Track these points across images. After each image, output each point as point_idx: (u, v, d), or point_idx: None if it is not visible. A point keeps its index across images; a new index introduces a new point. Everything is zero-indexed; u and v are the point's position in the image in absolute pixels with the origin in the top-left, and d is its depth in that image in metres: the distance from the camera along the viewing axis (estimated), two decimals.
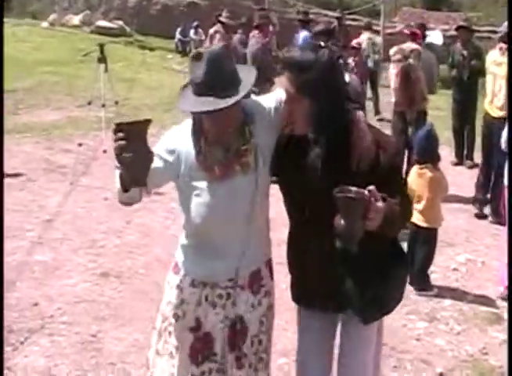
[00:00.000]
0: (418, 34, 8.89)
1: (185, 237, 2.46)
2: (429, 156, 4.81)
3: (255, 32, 8.51)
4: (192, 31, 19.40)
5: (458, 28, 8.94)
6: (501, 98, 6.53)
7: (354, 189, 1.97)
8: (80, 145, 7.54)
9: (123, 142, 1.90)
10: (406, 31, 9.51)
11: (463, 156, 8.81)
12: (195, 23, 19.15)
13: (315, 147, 2.24)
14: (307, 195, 2.26)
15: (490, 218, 6.59)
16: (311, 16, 13.17)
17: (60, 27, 21.36)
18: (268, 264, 2.53)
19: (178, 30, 19.86)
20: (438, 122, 11.88)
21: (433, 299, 4.81)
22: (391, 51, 8.02)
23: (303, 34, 10.80)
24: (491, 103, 6.74)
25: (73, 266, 5.23)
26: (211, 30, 9.83)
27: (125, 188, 2.11)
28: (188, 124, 2.32)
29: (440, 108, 13.25)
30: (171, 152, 2.28)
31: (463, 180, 7.84)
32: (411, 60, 7.25)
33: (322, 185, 2.16)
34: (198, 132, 2.27)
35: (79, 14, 22.53)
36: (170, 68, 17.02)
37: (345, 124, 2.21)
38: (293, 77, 2.11)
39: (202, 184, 2.26)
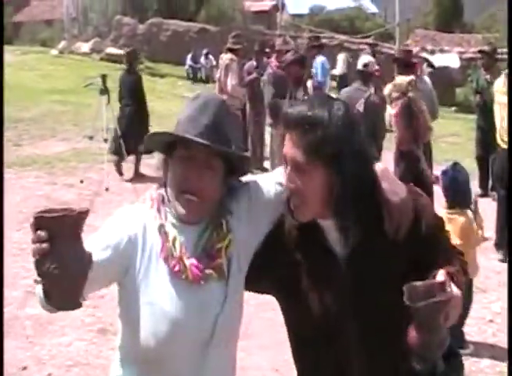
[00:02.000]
0: (418, 64, 8.22)
1: (124, 365, 1.83)
2: (461, 198, 4.29)
3: (272, 59, 8.14)
4: (202, 58, 19.11)
5: (480, 52, 8.48)
6: (505, 128, 6.09)
7: (421, 283, 1.50)
8: (81, 182, 7.13)
9: (44, 246, 1.34)
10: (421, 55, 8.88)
11: (488, 187, 8.28)
12: (205, 51, 18.87)
13: (327, 235, 1.75)
14: (326, 306, 1.75)
15: None
16: (323, 41, 12.85)
17: (70, 54, 21.14)
18: None
19: (189, 56, 19.60)
20: (456, 150, 11.47)
21: (469, 359, 4.26)
22: (386, 90, 7.22)
23: (320, 60, 10.53)
24: (502, 136, 6.26)
25: (68, 321, 4.73)
26: (224, 59, 9.37)
27: (50, 305, 1.50)
28: (146, 205, 1.82)
29: (457, 134, 12.81)
30: (125, 239, 1.74)
31: (489, 214, 7.28)
32: (410, 94, 6.64)
33: (353, 287, 1.71)
34: (164, 212, 1.80)
35: (89, 41, 22.34)
36: (180, 95, 16.64)
37: (371, 190, 1.72)
38: (303, 139, 1.63)
39: (162, 288, 1.74)
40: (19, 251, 6.06)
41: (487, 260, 5.96)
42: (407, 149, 5.89)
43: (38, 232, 1.34)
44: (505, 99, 6.14)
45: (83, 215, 1.38)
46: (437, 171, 4.96)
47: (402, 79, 6.82)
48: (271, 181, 1.89)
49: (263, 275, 1.82)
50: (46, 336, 4.50)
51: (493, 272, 5.84)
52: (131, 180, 7.08)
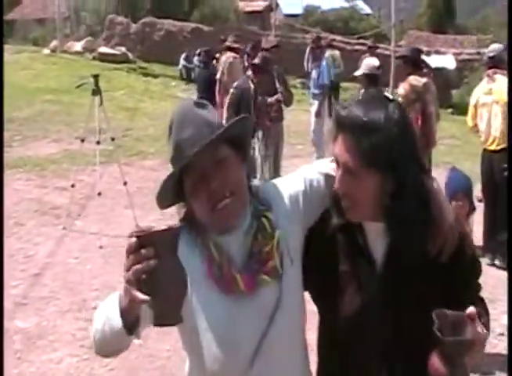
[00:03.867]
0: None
1: None
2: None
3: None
4: (195, 58, 18.80)
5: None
6: (498, 124, 5.92)
7: (452, 313, 1.44)
8: (73, 186, 6.85)
9: (152, 263, 1.35)
10: None
11: None
12: (198, 51, 18.58)
13: (369, 240, 1.71)
14: (358, 309, 1.69)
15: None
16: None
17: (62, 53, 20.76)
18: None
19: (183, 56, 19.25)
20: (455, 152, 11.26)
21: None
22: (401, 90, 6.77)
23: (325, 60, 10.51)
24: (488, 137, 6.08)
25: (58, 335, 4.49)
26: (226, 58, 9.10)
27: (135, 327, 1.49)
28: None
29: (455, 136, 12.58)
30: None
31: None
32: (426, 96, 6.31)
33: (384, 296, 1.67)
34: (197, 233, 1.73)
35: (81, 40, 21.96)
36: (174, 96, 16.36)
37: (424, 200, 1.64)
38: (356, 144, 1.55)
39: (217, 306, 1.68)
40: (8, 259, 5.75)
41: (491, 268, 5.75)
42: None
43: (143, 251, 1.34)
44: (491, 97, 6.02)
45: (179, 228, 1.41)
46: (436, 174, 4.73)
47: (417, 80, 6.41)
48: (316, 173, 1.81)
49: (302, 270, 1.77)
50: (35, 351, 4.24)
51: (500, 281, 5.59)
52: (124, 184, 6.80)
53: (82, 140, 6.99)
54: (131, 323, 1.46)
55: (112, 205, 7.46)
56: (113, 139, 7.15)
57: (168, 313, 1.40)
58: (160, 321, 1.40)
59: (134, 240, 1.37)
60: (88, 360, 4.15)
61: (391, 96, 1.60)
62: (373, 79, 6.79)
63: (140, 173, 8.63)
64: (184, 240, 1.59)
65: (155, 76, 19.28)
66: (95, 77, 6.89)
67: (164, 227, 1.39)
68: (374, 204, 1.60)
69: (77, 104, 12.69)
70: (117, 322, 1.46)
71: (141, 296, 1.35)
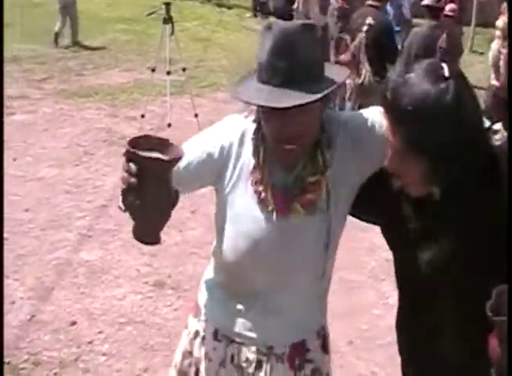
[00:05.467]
0: None
1: (213, 269, 1.90)
2: None
3: None
4: None
5: None
6: None
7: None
8: (143, 116, 6.64)
9: (132, 181, 1.36)
10: None
11: None
12: None
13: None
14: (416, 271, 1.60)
15: None
16: None
17: None
18: (321, 334, 1.89)
19: None
20: None
21: None
22: (499, 22, 6.24)
23: None
24: None
25: (123, 270, 4.30)
26: None
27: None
28: (249, 119, 1.73)
29: None
30: (219, 145, 1.72)
31: None
32: None
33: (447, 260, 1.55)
34: (259, 136, 1.68)
35: None
36: (248, 28, 15.77)
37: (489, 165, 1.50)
38: (402, 128, 1.43)
39: (247, 208, 1.70)
40: (75, 189, 5.65)
41: None
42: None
43: (130, 164, 1.35)
44: None
45: (175, 161, 1.35)
46: None
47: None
48: (373, 120, 1.68)
49: (371, 210, 1.73)
50: (99, 287, 4.07)
51: None
52: (195, 115, 6.53)
53: (153, 70, 6.75)
54: None
55: (182, 137, 6.93)
56: (184, 70, 6.93)
57: (144, 232, 1.41)
58: (137, 236, 1.42)
59: (124, 150, 1.34)
60: (151, 299, 3.97)
61: (447, 73, 1.38)
62: (432, 12, 6.42)
63: (212, 105, 8.30)
64: (245, 139, 1.70)
65: (229, 7, 18.68)
66: (167, 5, 6.65)
67: (163, 145, 1.37)
68: (424, 185, 1.51)
69: (149, 34, 12.39)
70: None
71: (121, 207, 1.40)
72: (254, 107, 1.67)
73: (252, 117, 1.71)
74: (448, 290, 1.56)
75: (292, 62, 1.50)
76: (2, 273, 2.69)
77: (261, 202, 1.67)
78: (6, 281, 3.98)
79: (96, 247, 4.60)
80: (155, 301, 3.93)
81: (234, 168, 1.71)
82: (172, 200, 1.41)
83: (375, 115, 1.67)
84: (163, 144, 1.39)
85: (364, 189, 1.71)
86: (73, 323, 3.67)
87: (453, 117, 1.38)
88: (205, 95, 8.89)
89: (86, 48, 11.40)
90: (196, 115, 6.62)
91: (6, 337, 3.38)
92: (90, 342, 3.50)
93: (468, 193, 1.49)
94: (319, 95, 1.49)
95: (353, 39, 6.00)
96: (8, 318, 3.60)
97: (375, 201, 1.70)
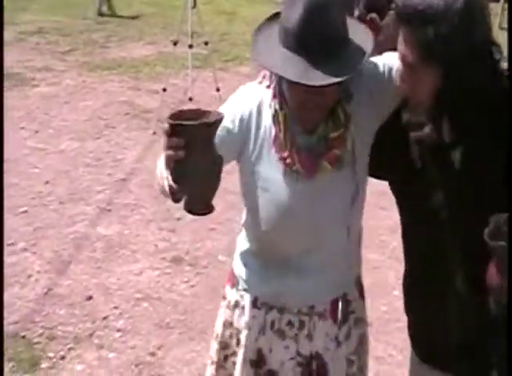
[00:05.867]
0: None
1: (246, 239, 1.90)
2: None
3: None
4: None
5: None
6: None
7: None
8: (164, 90, 6.55)
9: (181, 153, 1.32)
10: None
11: None
12: None
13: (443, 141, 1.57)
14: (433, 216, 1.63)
15: None
16: None
17: None
18: (358, 283, 1.97)
19: None
20: None
21: None
22: None
23: None
24: None
25: (141, 245, 4.26)
26: None
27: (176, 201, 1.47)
28: (263, 85, 1.72)
29: None
30: (237, 119, 1.70)
31: None
32: None
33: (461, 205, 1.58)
34: (278, 103, 1.67)
35: None
36: (274, 1, 15.58)
37: (500, 97, 1.52)
38: (414, 36, 1.46)
39: (274, 176, 1.70)
40: (95, 162, 5.61)
41: None
42: None
43: (175, 139, 1.32)
44: None
45: (219, 122, 1.36)
46: None
47: None
48: (384, 65, 1.70)
49: (379, 161, 1.74)
50: (116, 261, 4.04)
51: None
52: (217, 90, 6.44)
53: (175, 43, 6.64)
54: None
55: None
56: (206, 44, 6.78)
57: (198, 202, 1.41)
58: (189, 208, 1.40)
59: (166, 125, 1.32)
60: (168, 275, 3.93)
61: None
62: None
63: (235, 79, 8.09)
64: (264, 107, 1.68)
65: None
66: None
67: (201, 114, 1.36)
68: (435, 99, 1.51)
69: (174, 6, 12.20)
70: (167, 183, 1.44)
71: (170, 181, 1.37)
72: (268, 72, 1.69)
73: (266, 83, 1.70)
74: (459, 235, 1.59)
75: (326, 29, 1.47)
76: (2, 274, 2.66)
77: (288, 167, 1.67)
78: (24, 254, 4.01)
79: (115, 221, 4.56)
80: (172, 278, 3.89)
81: (256, 139, 1.70)
82: (220, 163, 1.42)
83: (389, 60, 1.68)
84: (198, 113, 1.39)
85: (375, 140, 1.73)
86: (89, 298, 3.65)
87: (463, 22, 1.41)
88: (229, 70, 8.76)
89: (111, 20, 11.31)
90: (217, 89, 6.51)
91: (22, 311, 3.40)
92: (105, 318, 3.47)
93: (475, 129, 1.52)
94: (355, 70, 1.49)
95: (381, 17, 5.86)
96: (24, 292, 3.61)
97: (385, 151, 1.72)
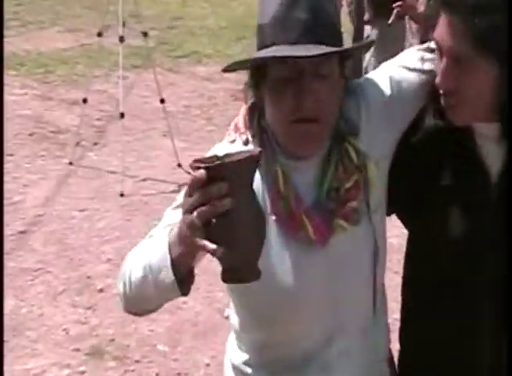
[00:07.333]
0: None
1: (242, 349, 2.06)
2: None
3: None
4: None
5: None
6: None
7: None
8: (85, 101, 6.65)
9: (224, 203, 1.45)
10: None
11: None
12: None
13: (480, 146, 1.91)
14: (463, 233, 1.92)
15: None
16: None
17: None
18: (389, 357, 2.17)
19: None
20: None
21: None
22: None
23: None
24: None
25: (44, 331, 4.33)
26: None
27: (187, 282, 1.67)
28: (238, 142, 1.92)
29: None
30: None
31: None
32: None
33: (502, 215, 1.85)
34: (270, 154, 1.86)
35: None
36: None
37: None
38: (468, 25, 1.72)
39: (277, 252, 1.85)
40: None
41: None
42: None
43: (213, 187, 1.43)
44: None
45: (260, 157, 1.50)
46: None
47: None
48: (402, 70, 1.98)
49: (390, 188, 1.99)
50: (7, 356, 4.01)
51: None
52: (161, 101, 6.69)
53: (99, 34, 6.93)
54: (182, 278, 1.62)
55: (142, 132, 7.39)
56: (145, 35, 6.97)
57: (245, 266, 1.52)
58: (235, 276, 1.52)
59: (201, 172, 1.43)
60: (83, 375, 3.98)
61: None
62: None
63: (189, 84, 8.45)
64: None
65: None
66: None
67: (239, 155, 1.49)
68: (488, 102, 1.78)
69: None
70: (168, 275, 1.61)
71: (210, 245, 1.45)
72: (241, 125, 1.91)
73: (243, 137, 1.89)
74: (494, 260, 1.85)
75: (314, 14, 1.73)
76: (2, 274, 3.02)
77: (295, 234, 1.83)
78: None
79: (8, 294, 4.54)
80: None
81: None
82: (262, 210, 1.57)
83: (393, 68, 1.99)
84: (220, 158, 1.54)
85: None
86: None
87: None
88: (181, 70, 8.98)
89: None
90: (162, 100, 6.65)
91: None
92: None
93: None
94: (349, 46, 1.74)
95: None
96: None
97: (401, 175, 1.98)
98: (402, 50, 2.20)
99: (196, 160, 1.49)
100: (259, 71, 1.80)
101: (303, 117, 1.75)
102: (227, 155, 1.54)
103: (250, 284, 1.74)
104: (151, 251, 1.69)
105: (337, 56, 1.78)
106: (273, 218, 1.83)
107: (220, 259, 1.50)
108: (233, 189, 1.45)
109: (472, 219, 1.90)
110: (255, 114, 1.90)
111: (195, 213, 1.45)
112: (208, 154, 1.65)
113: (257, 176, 1.76)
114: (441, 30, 1.78)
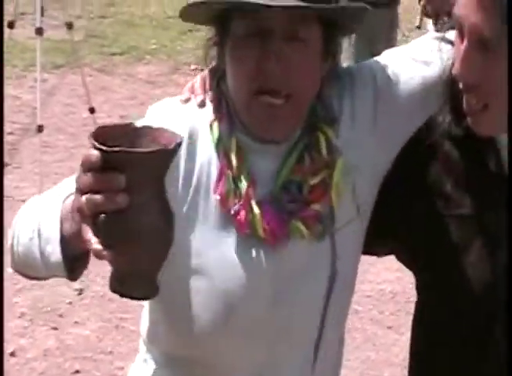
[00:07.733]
0: None
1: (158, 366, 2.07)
2: None
3: None
4: None
5: None
6: None
7: None
8: None
9: (121, 199, 1.35)
10: None
11: None
12: None
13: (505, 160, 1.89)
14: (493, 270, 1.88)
15: None
16: None
17: None
18: None
19: None
20: None
21: None
22: None
23: None
24: None
25: None
26: None
27: (78, 266, 1.63)
28: (193, 103, 1.94)
29: None
30: None
31: None
32: None
33: None
34: (227, 122, 1.86)
35: None
36: None
37: None
38: (497, 1, 1.64)
39: (214, 246, 1.86)
40: None
41: None
42: None
43: (110, 175, 1.38)
44: None
45: (178, 149, 1.48)
46: None
47: None
48: (411, 61, 1.98)
49: (390, 223, 1.99)
50: None
51: None
52: (91, 111, 6.58)
53: (10, 24, 6.98)
54: (73, 258, 1.60)
55: (66, 150, 7.33)
56: (69, 27, 7.00)
57: (135, 280, 1.50)
58: (120, 288, 1.49)
59: (96, 153, 1.36)
60: None
61: None
62: None
63: (126, 88, 8.28)
64: (203, 128, 1.89)
65: None
66: None
67: (150, 140, 1.45)
68: None
69: None
70: (54, 251, 1.59)
71: (95, 245, 1.41)
72: (199, 81, 1.92)
73: (200, 98, 1.88)
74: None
75: None
76: (2, 274, 2.86)
77: (240, 227, 1.81)
78: None
79: None
80: None
81: (184, 185, 1.83)
82: (173, 216, 1.52)
83: (398, 59, 1.97)
84: (129, 131, 1.46)
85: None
86: None
87: None
88: (115, 70, 8.88)
89: None
90: (91, 110, 6.38)
91: None
92: None
93: None
94: (335, 5, 1.77)
95: None
96: None
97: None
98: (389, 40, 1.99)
99: (96, 133, 1.38)
100: (223, 27, 1.81)
101: (266, 86, 1.75)
102: (144, 130, 1.46)
103: (178, 285, 1.86)
104: (46, 209, 1.63)
105: (321, 23, 1.79)
106: (217, 197, 1.82)
107: (111, 264, 1.48)
108: (133, 185, 1.38)
109: (497, 259, 1.84)
110: (216, 77, 1.91)
111: (84, 198, 1.37)
112: (131, 121, 1.56)
113: (210, 145, 1.83)
114: (464, 2, 1.71)
